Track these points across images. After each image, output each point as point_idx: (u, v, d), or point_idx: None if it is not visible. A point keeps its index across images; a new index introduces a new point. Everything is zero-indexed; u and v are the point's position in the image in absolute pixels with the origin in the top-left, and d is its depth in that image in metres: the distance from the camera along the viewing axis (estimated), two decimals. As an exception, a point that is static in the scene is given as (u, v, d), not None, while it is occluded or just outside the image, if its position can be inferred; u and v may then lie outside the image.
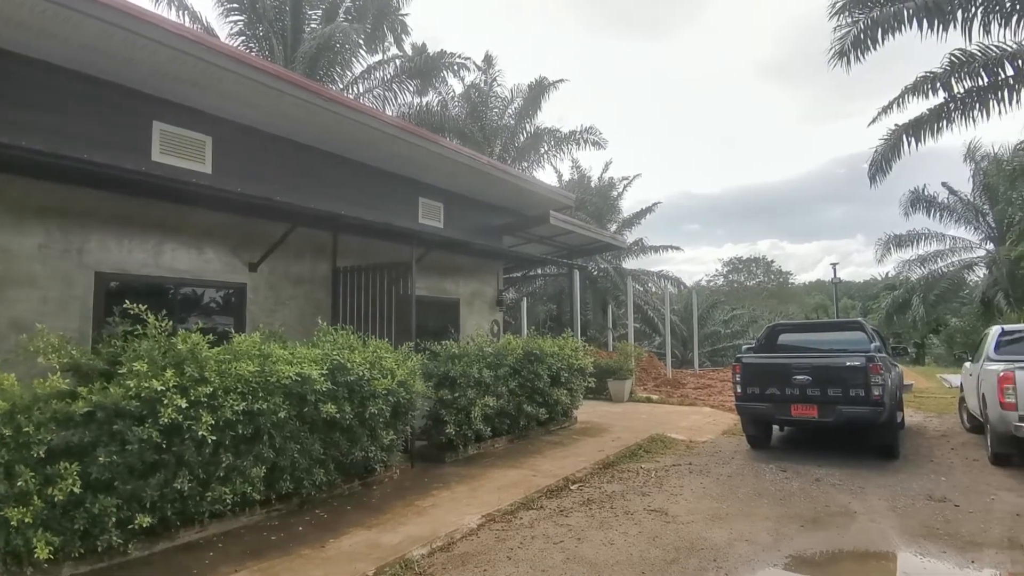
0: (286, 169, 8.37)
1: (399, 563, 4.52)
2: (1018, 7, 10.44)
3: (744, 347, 10.15)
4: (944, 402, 13.74)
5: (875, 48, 11.43)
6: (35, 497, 3.91)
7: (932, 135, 12.23)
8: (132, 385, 4.41)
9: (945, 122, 11.98)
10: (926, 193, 26.15)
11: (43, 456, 4.00)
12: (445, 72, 20.37)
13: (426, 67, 19.51)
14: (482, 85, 22.78)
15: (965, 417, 10.17)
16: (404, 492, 6.42)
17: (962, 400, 10.44)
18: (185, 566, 4.45)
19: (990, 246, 26.52)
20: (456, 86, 22.22)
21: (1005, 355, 8.15)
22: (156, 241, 6.88)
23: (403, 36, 19.76)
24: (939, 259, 27.44)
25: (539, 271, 19.08)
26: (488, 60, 22.62)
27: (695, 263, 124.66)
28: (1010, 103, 11.23)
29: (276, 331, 6.13)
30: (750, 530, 5.28)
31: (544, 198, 12.78)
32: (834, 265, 39.16)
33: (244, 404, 4.92)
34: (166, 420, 4.41)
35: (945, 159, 30.58)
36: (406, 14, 19.49)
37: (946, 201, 26.44)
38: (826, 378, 7.78)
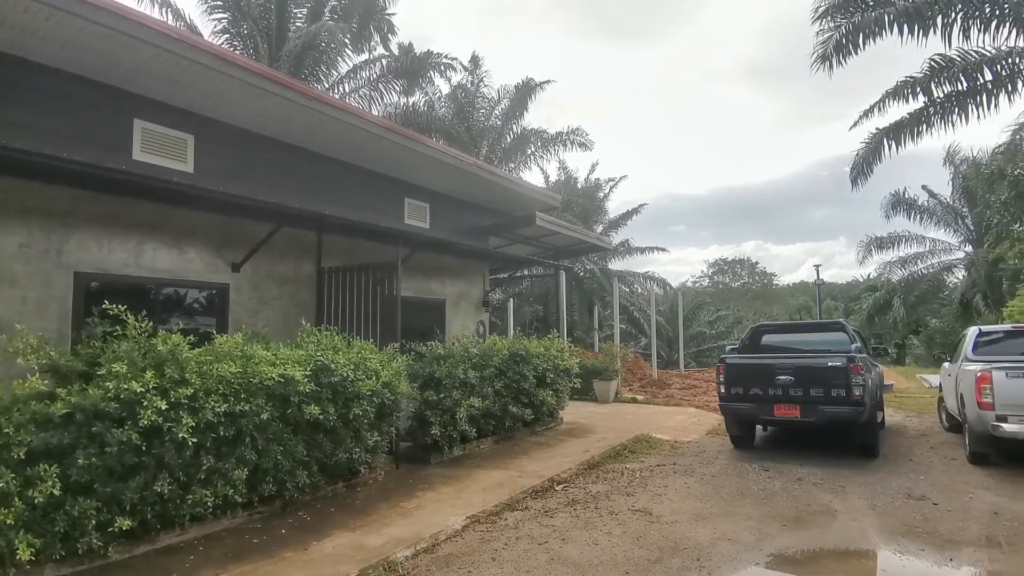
0: (270, 169, 8.30)
1: (383, 565, 4.50)
2: (997, 12, 10.64)
3: (728, 348, 10.24)
4: (924, 402, 13.95)
5: (856, 53, 11.58)
6: (16, 498, 3.87)
7: (912, 139, 12.42)
8: (111, 387, 4.36)
9: (925, 126, 12.17)
10: (907, 196, 26.56)
11: (23, 458, 3.97)
12: (432, 72, 20.28)
13: (413, 67, 19.41)
14: (469, 86, 22.74)
15: (944, 417, 10.32)
16: (389, 493, 6.39)
17: (941, 400, 10.59)
18: (166, 569, 4.40)
19: (969, 248, 26.98)
20: (443, 86, 22.18)
21: (983, 356, 8.29)
22: (137, 241, 6.79)
23: (390, 36, 19.68)
24: (919, 261, 27.88)
25: (526, 272, 19.09)
26: (475, 60, 22.60)
27: (681, 264, 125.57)
28: (988, 107, 11.43)
29: (259, 332, 6.08)
30: (733, 529, 5.33)
31: (530, 199, 12.80)
32: (817, 267, 39.74)
33: (226, 406, 4.87)
34: (146, 422, 4.37)
35: (925, 162, 31.22)
36: (392, 14, 19.43)
37: (926, 204, 26.86)
38: (808, 378, 7.86)
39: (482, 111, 23.00)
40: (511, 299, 20.09)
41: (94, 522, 4.22)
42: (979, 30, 10.87)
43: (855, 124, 13.14)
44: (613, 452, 8.51)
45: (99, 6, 5.45)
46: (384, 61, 19.31)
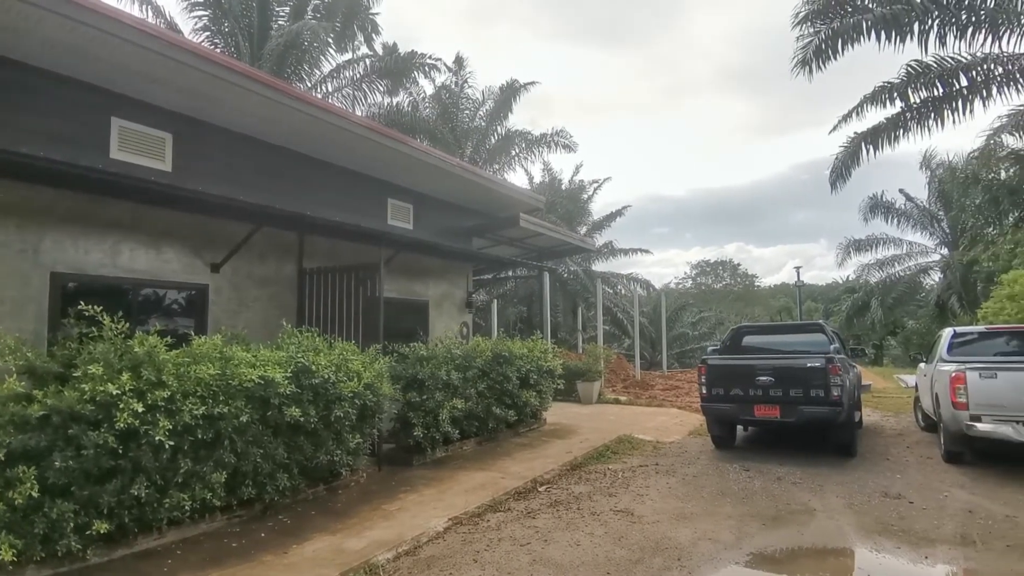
0: (251, 168, 8.21)
1: (364, 568, 4.47)
2: (973, 19, 10.86)
3: (710, 349, 10.32)
4: (900, 402, 14.18)
5: (835, 58, 11.75)
6: (-3, 499, 3.84)
7: (889, 143, 12.62)
8: (87, 389, 4.31)
9: (902, 131, 12.37)
10: (884, 199, 27.04)
11: (2, 459, 3.94)
12: (416, 73, 20.22)
13: (397, 67, 19.34)
14: (453, 86, 22.74)
15: (920, 416, 10.50)
16: (370, 496, 6.35)
17: (917, 400, 10.76)
18: (143, 573, 4.34)
19: (944, 251, 27.52)
20: (427, 87, 22.15)
21: (957, 356, 8.45)
22: (114, 241, 6.68)
23: (373, 35, 19.58)
24: (896, 263, 28.40)
25: (510, 273, 19.10)
26: (459, 61, 22.59)
27: (664, 265, 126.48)
28: (964, 113, 11.65)
29: (239, 333, 6.00)
30: (714, 529, 5.37)
31: (514, 200, 12.81)
32: (798, 268, 40.06)
33: (204, 408, 4.81)
34: (122, 425, 4.31)
35: (903, 166, 31.79)
36: (376, 13, 19.35)
37: (903, 207, 27.38)
38: (788, 379, 7.95)
39: (466, 112, 23.00)
40: (495, 300, 20.09)
41: (72, 524, 4.18)
42: (955, 37, 11.07)
43: (834, 128, 13.33)
44: (596, 453, 8.54)
45: (80, 4, 5.37)
46: (368, 61, 19.23)
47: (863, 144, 12.84)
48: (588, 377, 14.45)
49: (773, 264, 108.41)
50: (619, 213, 28.56)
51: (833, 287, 54.00)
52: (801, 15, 11.94)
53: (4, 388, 4.13)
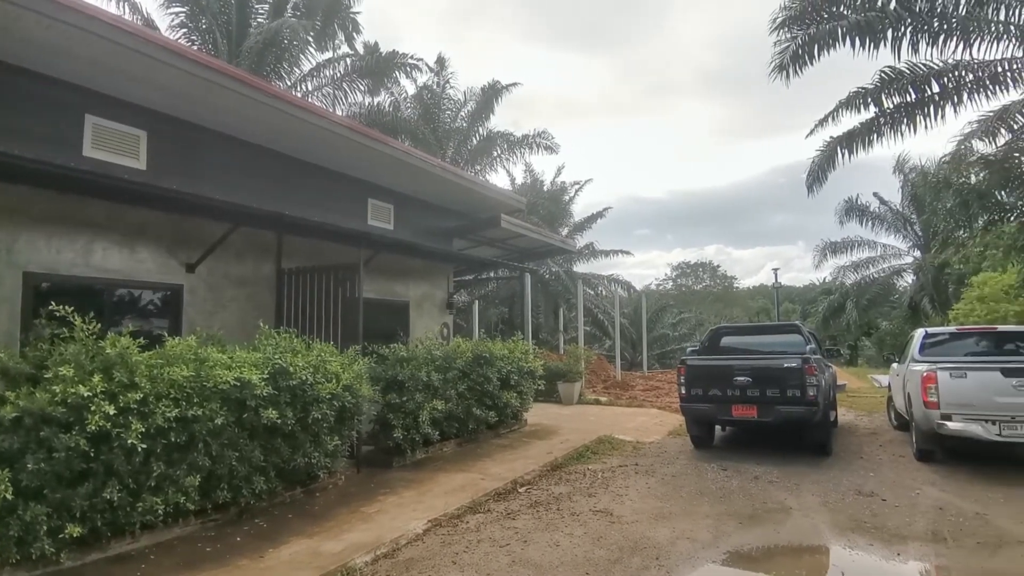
0: (229, 167, 8.09)
1: (341, 571, 4.43)
2: (945, 27, 11.09)
3: (689, 349, 10.41)
4: (874, 401, 14.44)
5: (812, 63, 11.90)
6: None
7: (864, 147, 12.81)
8: (58, 390, 4.25)
9: (876, 135, 12.57)
10: (859, 203, 27.57)
11: None
12: (398, 72, 20.07)
13: (378, 67, 19.20)
14: (435, 87, 22.65)
15: (893, 415, 10.69)
16: (349, 498, 6.29)
17: (890, 399, 10.96)
18: (114, 580, 4.25)
19: (917, 253, 28.13)
20: (409, 87, 22.01)
21: (929, 356, 8.62)
22: (86, 240, 6.55)
23: (354, 34, 19.40)
24: (871, 265, 28.97)
25: (491, 274, 19.05)
26: (441, 62, 22.51)
27: (645, 267, 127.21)
28: (936, 118, 11.87)
29: (214, 334, 5.91)
30: (692, 528, 5.41)
31: (496, 201, 12.80)
32: (775, 270, 40.68)
33: (177, 410, 4.74)
34: (93, 427, 4.25)
35: (878, 171, 32.38)
36: (358, 12, 19.18)
37: (877, 210, 27.92)
38: (765, 379, 8.05)
39: (448, 113, 22.93)
40: (476, 301, 20.05)
41: (46, 527, 4.13)
42: (927, 44, 11.29)
43: (811, 132, 13.49)
44: (576, 453, 8.56)
45: (58, 2, 5.27)
46: (349, 60, 19.07)
47: (839, 148, 13.03)
48: (569, 378, 14.49)
49: (752, 266, 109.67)
50: (600, 215, 28.71)
51: (810, 289, 54.85)
52: (779, 20, 12.08)
53: None
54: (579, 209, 29.08)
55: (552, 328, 24.72)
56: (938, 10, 11.05)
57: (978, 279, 20.08)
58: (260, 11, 17.88)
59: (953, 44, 11.19)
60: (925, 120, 11.87)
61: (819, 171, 13.43)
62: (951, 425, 7.27)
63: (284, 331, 6.44)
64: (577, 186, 28.29)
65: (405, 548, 4.98)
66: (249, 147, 8.39)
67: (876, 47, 11.32)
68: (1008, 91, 11.05)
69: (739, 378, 8.17)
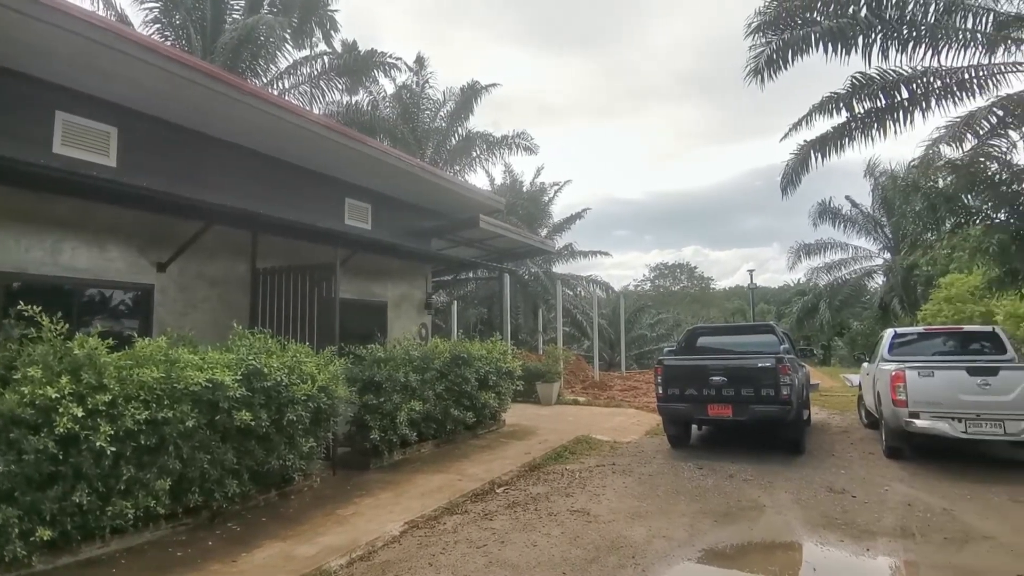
0: (202, 165, 7.96)
1: (315, 575, 4.38)
2: (914, 34, 11.35)
3: (666, 350, 10.50)
4: (846, 400, 14.71)
5: (786, 68, 12.10)
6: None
7: (836, 151, 13.04)
8: (26, 392, 4.16)
9: (847, 140, 12.80)
10: (832, 205, 28.12)
11: None
12: (376, 71, 19.94)
13: (356, 65, 19.04)
14: (414, 86, 22.55)
15: (863, 414, 10.91)
16: (324, 501, 6.23)
17: (861, 398, 11.19)
18: (81, 587, 4.16)
19: (887, 255, 28.78)
20: (388, 86, 21.89)
21: (898, 356, 8.82)
22: (55, 238, 6.40)
23: (332, 32, 19.18)
24: (843, 267, 29.59)
25: (470, 274, 19.03)
26: (420, 61, 22.43)
27: (624, 268, 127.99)
28: (905, 123, 12.14)
29: (185, 335, 5.81)
30: (668, 527, 5.46)
31: (475, 202, 12.78)
32: (751, 272, 41.35)
33: (147, 413, 4.65)
34: (61, 429, 4.17)
35: (851, 174, 33.04)
36: (336, 10, 18.96)
37: (849, 213, 28.51)
38: (739, 379, 8.15)
39: (427, 112, 22.85)
40: (455, 302, 20.02)
41: (17, 530, 4.04)
42: (897, 50, 11.55)
43: (785, 136, 13.71)
44: (554, 454, 8.58)
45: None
46: (327, 58, 18.89)
47: (812, 152, 13.24)
48: (548, 378, 14.52)
49: (728, 267, 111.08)
50: (579, 216, 28.86)
51: (785, 290, 55.71)
52: (753, 25, 12.25)
53: None
54: (558, 210, 29.06)
55: (531, 329, 24.75)
56: (907, 17, 11.31)
57: (945, 280, 20.63)
58: (236, 7, 17.62)
59: (922, 51, 11.46)
60: (895, 125, 12.12)
61: (793, 174, 13.64)
62: (919, 423, 7.44)
63: (259, 332, 6.35)
64: (556, 187, 28.43)
65: (381, 550, 4.94)
66: (223, 145, 8.26)
67: (848, 53, 11.54)
68: (974, 97, 11.35)
69: (715, 378, 8.26)
